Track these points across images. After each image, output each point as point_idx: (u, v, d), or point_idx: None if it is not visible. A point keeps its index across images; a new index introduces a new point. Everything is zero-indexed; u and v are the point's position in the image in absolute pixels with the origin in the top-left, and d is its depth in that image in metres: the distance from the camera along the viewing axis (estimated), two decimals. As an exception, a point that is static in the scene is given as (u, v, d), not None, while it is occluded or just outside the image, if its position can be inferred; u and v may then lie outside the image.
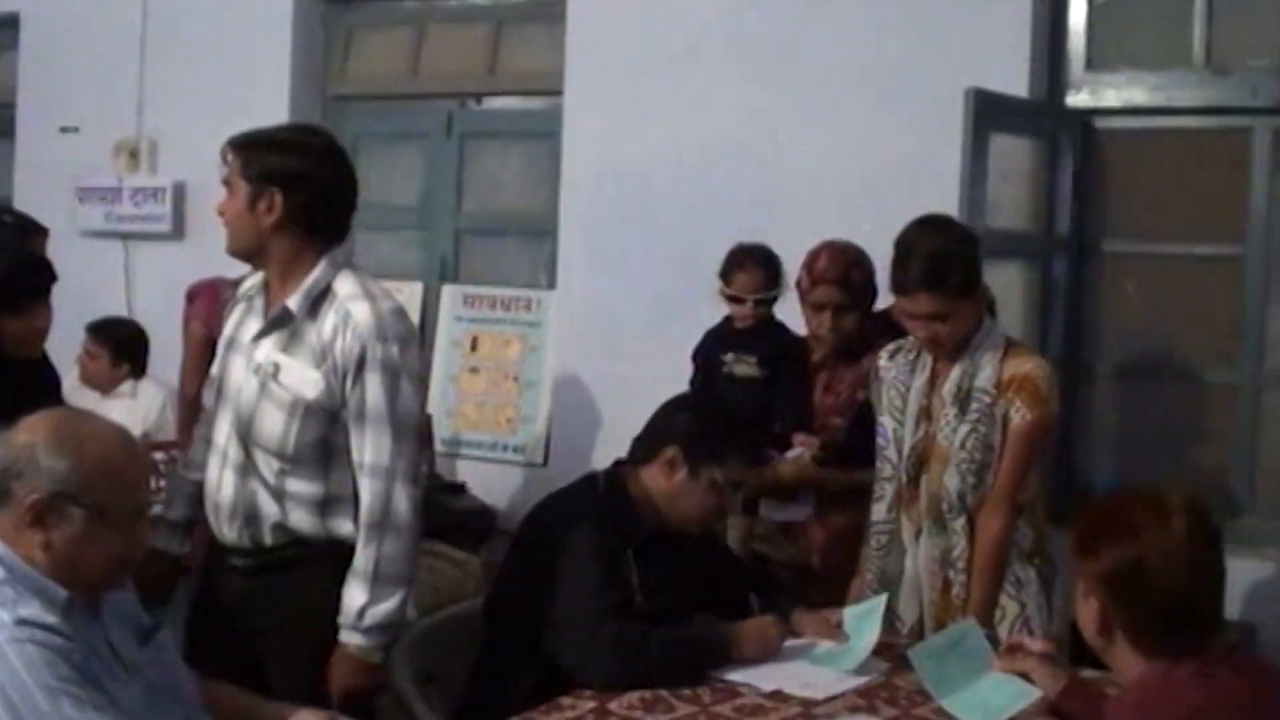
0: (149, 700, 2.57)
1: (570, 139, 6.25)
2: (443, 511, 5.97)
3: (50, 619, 2.47)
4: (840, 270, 4.36)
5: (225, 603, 3.45)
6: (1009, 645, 3.15)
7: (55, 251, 4.45)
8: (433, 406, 6.67)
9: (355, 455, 3.31)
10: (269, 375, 3.34)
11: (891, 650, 3.52)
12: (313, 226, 3.36)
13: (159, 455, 5.62)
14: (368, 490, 3.29)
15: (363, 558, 3.27)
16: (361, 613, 3.25)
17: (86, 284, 6.44)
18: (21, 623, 2.44)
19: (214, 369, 3.54)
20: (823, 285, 4.37)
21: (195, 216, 7.13)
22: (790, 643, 3.50)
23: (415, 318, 6.77)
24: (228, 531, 3.40)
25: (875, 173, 5.46)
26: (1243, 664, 2.37)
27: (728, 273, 4.60)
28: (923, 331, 3.70)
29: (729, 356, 4.62)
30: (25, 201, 7.69)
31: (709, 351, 4.72)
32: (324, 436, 3.32)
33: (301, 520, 3.34)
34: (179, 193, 7.27)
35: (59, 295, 4.27)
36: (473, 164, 6.88)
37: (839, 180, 5.54)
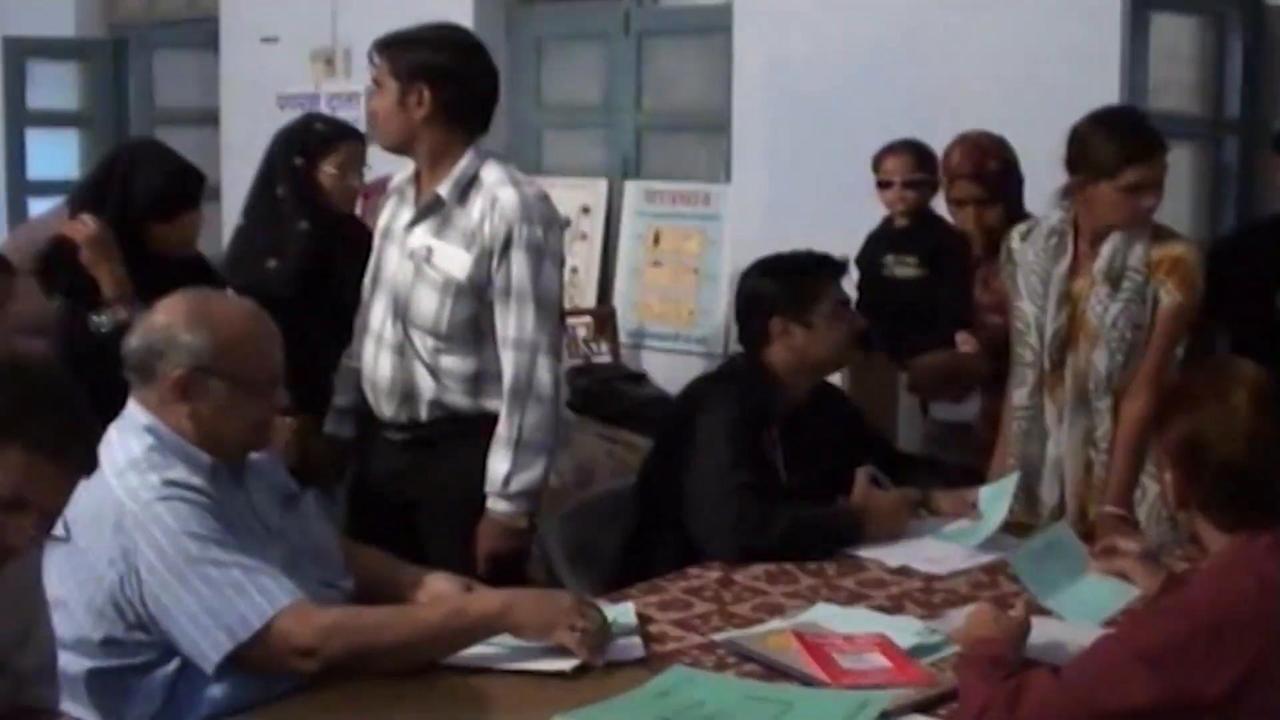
0: (291, 562, 2.73)
1: (742, 34, 6.29)
2: (624, 400, 6.20)
3: (196, 481, 2.66)
4: (974, 164, 4.38)
5: (382, 475, 3.68)
6: (1103, 548, 3.13)
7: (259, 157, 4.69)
8: (617, 300, 6.85)
9: (500, 331, 3.50)
10: (423, 259, 3.54)
11: (1024, 529, 3.60)
12: (459, 118, 3.55)
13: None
14: (511, 362, 3.48)
15: (507, 427, 3.47)
16: (507, 480, 3.46)
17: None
18: (169, 483, 2.62)
19: (371, 259, 3.74)
20: (959, 181, 4.40)
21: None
22: (924, 522, 3.59)
23: (600, 214, 6.97)
24: (385, 408, 3.62)
25: (1039, 60, 5.41)
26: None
27: (877, 160, 4.65)
28: (1149, 199, 3.69)
29: (889, 258, 4.68)
30: (231, 111, 8.09)
31: (870, 254, 4.79)
32: (475, 315, 3.52)
33: (455, 396, 3.55)
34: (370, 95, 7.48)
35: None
36: (650, 61, 6.98)
37: (1004, 68, 5.51)
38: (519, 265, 3.47)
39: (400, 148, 3.61)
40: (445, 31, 3.69)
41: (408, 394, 3.58)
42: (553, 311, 3.54)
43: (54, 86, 9.06)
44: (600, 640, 2.68)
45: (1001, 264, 4.03)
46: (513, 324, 3.49)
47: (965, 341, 4.41)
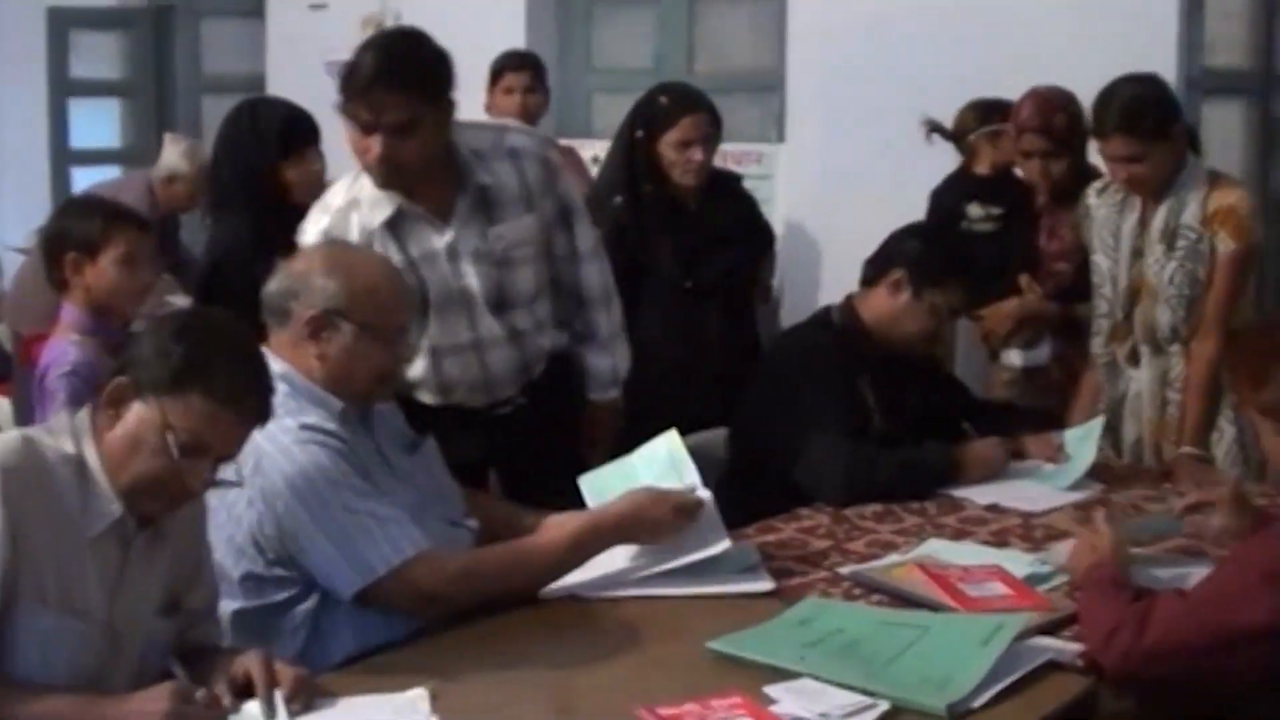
0: (419, 503, 2.85)
1: (795, -7, 6.37)
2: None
3: (330, 425, 2.77)
4: (1044, 117, 4.49)
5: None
6: (1187, 506, 3.13)
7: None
8: (673, 256, 6.92)
9: (569, 248, 3.66)
10: (503, 250, 3.49)
11: (1108, 471, 3.75)
12: (453, 109, 3.41)
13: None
14: (595, 270, 3.70)
15: (606, 325, 3.72)
16: (614, 369, 3.77)
17: (337, 155, 6.81)
18: (305, 427, 2.74)
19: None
20: (1028, 134, 4.52)
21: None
22: (1014, 464, 3.72)
23: (656, 174, 7.03)
24: (503, 393, 3.64)
25: (1095, 17, 5.50)
26: None
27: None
28: (1121, 173, 3.90)
29: (973, 208, 4.81)
30: (278, 78, 8.09)
31: (950, 197, 4.92)
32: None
33: (557, 341, 3.70)
34: (423, 62, 7.56)
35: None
36: (702, 22, 7.06)
37: (1060, 25, 5.59)
38: (567, 188, 3.64)
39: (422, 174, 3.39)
40: (409, 33, 3.50)
41: (525, 368, 3.63)
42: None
43: (97, 56, 9.09)
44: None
45: (1079, 218, 4.18)
46: (581, 239, 3.66)
47: (1029, 286, 4.54)
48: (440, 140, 3.36)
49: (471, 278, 3.48)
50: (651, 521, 2.89)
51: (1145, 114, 3.81)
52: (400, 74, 3.26)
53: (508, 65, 5.87)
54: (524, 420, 3.65)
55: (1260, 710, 2.56)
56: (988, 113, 4.95)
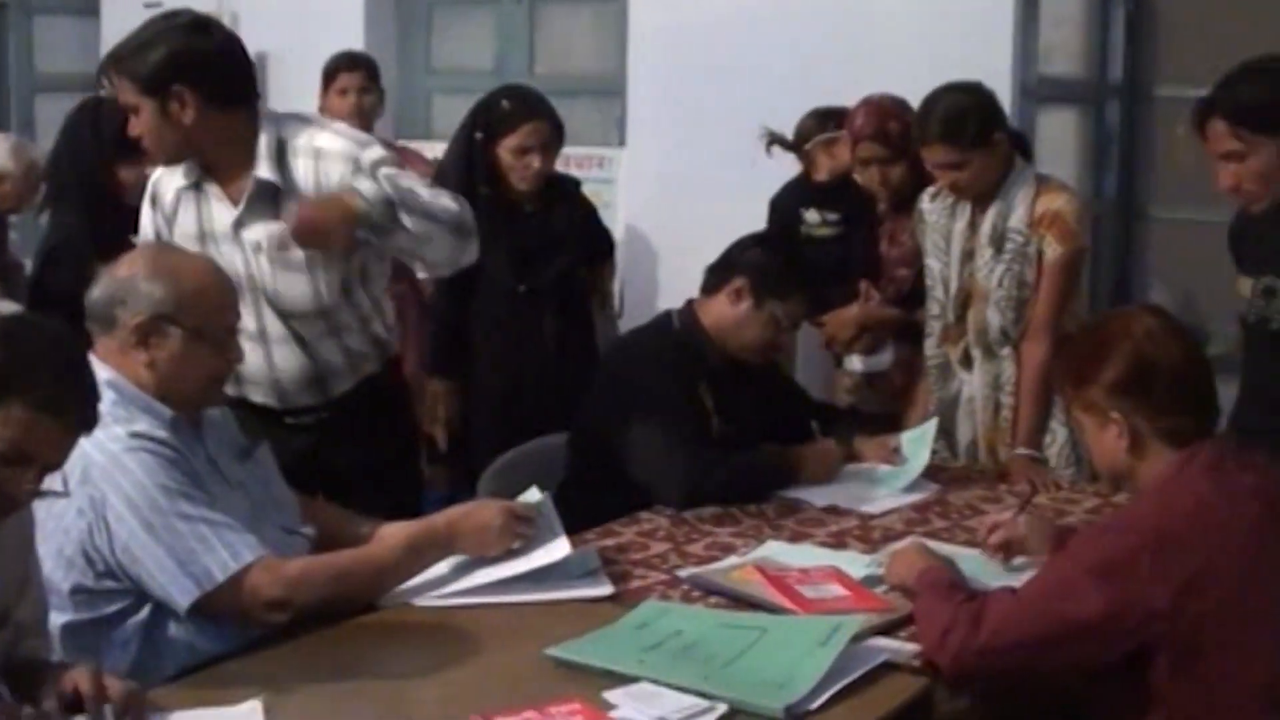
0: (254, 512, 2.81)
1: (637, -1, 6.38)
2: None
3: (160, 433, 2.71)
4: (878, 125, 4.54)
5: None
6: (991, 526, 3.12)
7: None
8: (514, 259, 6.89)
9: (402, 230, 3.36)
10: (277, 247, 3.32)
11: (943, 472, 3.81)
12: (234, 101, 3.32)
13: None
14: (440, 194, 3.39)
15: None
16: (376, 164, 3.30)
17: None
18: (135, 435, 2.68)
19: None
20: (864, 142, 4.57)
21: (277, 85, 7.33)
22: (850, 467, 3.76)
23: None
24: (296, 399, 3.48)
25: (934, 26, 5.57)
26: (1250, 462, 2.61)
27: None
28: (943, 179, 3.98)
29: (811, 214, 4.85)
30: (114, 76, 7.96)
31: (789, 205, 4.95)
32: (344, 277, 3.39)
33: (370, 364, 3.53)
34: (261, 63, 7.40)
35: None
36: (543, 25, 7.05)
37: (899, 35, 5.66)
38: (369, 185, 3.26)
39: (183, 158, 3.36)
40: (170, 21, 3.35)
41: (318, 379, 3.48)
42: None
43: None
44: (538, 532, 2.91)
45: (915, 223, 4.25)
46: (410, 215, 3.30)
47: (867, 293, 4.59)
48: (177, 127, 3.24)
49: (253, 265, 3.36)
50: (483, 524, 2.88)
51: (965, 122, 3.88)
52: (119, 59, 3.31)
53: (341, 66, 5.81)
54: (324, 435, 3.50)
55: (1093, 704, 2.60)
56: (827, 120, 4.99)
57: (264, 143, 3.32)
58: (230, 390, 3.38)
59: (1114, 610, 2.44)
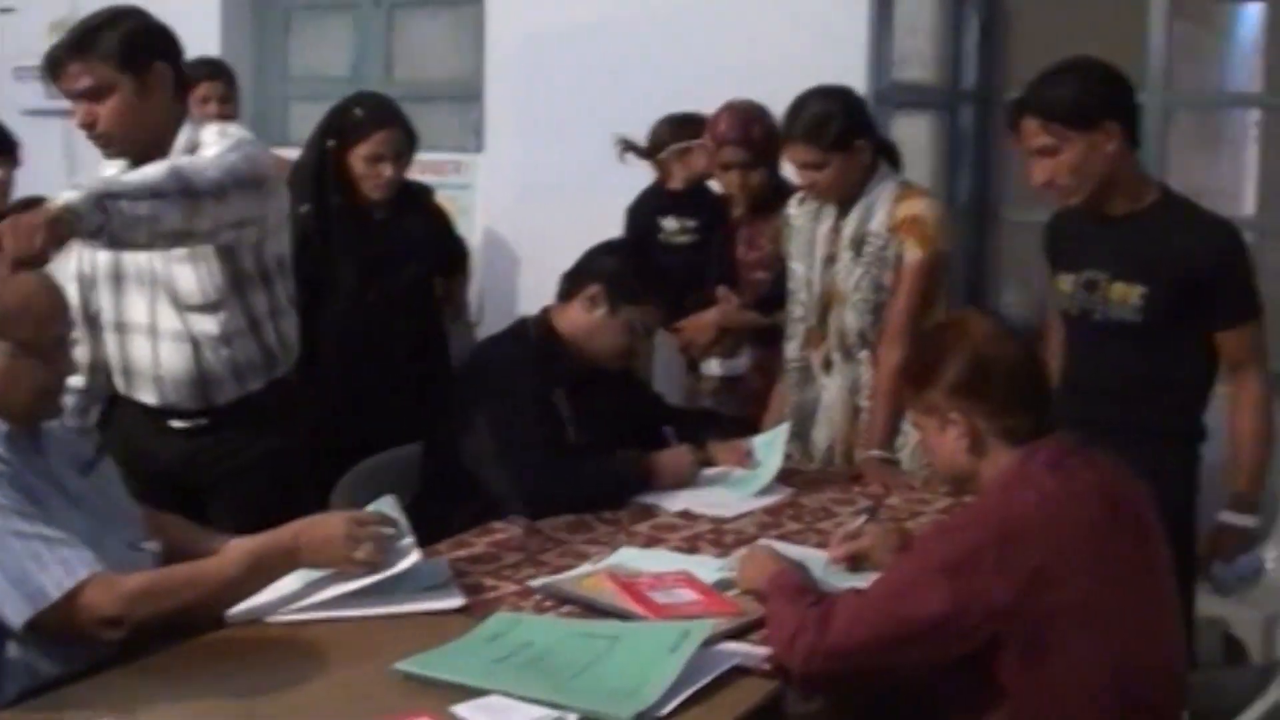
0: (93, 527, 2.74)
1: (494, 6, 6.36)
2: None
3: None
4: (739, 130, 4.59)
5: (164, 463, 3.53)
6: (841, 537, 3.15)
7: (-2, 132, 4.63)
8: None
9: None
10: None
11: (797, 475, 3.84)
12: (184, 85, 3.40)
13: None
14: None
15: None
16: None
17: (29, 162, 6.58)
18: None
19: (74, 260, 3.50)
20: (726, 146, 4.61)
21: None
22: (705, 471, 3.78)
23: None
24: (177, 398, 3.49)
25: (790, 35, 5.59)
26: (1091, 459, 2.65)
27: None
28: (804, 179, 4.02)
29: (669, 221, 4.87)
30: (-38, 82, 7.82)
31: (645, 212, 4.96)
32: (234, 272, 3.41)
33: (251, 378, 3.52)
34: (114, 69, 7.35)
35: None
36: (401, 31, 7.02)
37: (756, 43, 5.67)
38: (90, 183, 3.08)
39: (138, 146, 3.32)
40: (112, 9, 3.36)
41: (201, 381, 3.48)
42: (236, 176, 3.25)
43: None
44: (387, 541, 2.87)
45: (780, 227, 4.29)
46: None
47: (726, 297, 4.62)
48: (152, 108, 3.31)
49: (155, 258, 3.39)
50: (327, 535, 2.83)
51: (829, 125, 3.93)
52: (82, 42, 3.27)
53: (201, 74, 5.71)
54: (203, 441, 3.52)
55: (942, 700, 2.63)
56: (682, 126, 5.02)
57: (186, 136, 3.36)
58: (120, 388, 3.52)
59: (958, 607, 2.47)
